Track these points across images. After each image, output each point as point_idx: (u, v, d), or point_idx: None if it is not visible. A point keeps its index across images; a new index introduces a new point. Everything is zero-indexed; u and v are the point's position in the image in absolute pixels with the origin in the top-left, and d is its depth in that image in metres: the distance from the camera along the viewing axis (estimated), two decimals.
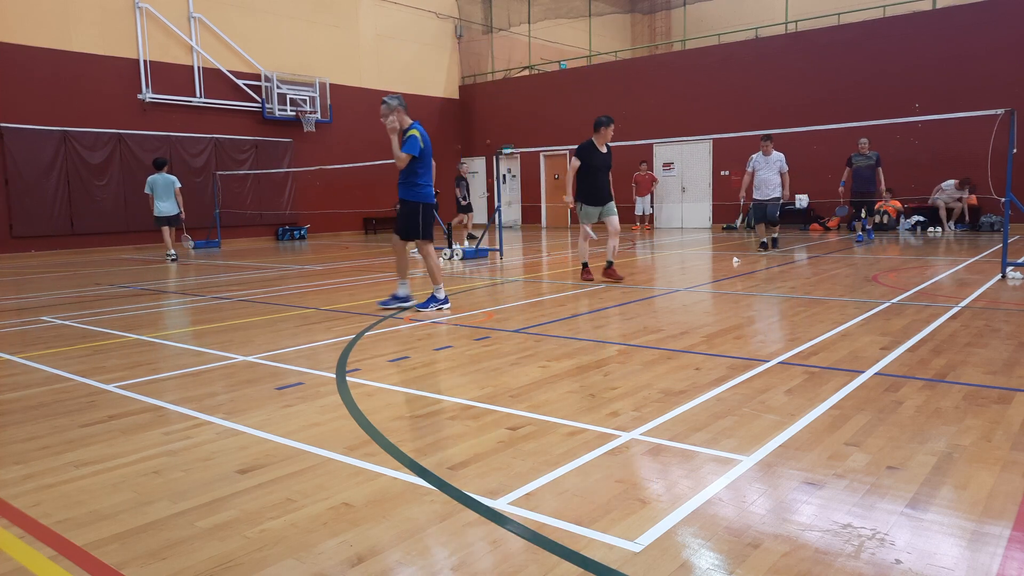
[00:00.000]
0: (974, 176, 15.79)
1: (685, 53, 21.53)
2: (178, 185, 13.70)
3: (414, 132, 6.66)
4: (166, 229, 13.69)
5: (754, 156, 12.25)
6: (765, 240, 12.48)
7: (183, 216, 13.94)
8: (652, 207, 20.46)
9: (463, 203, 15.70)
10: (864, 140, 13.04)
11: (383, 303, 7.12)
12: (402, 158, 6.59)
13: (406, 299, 7.02)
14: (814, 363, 4.40)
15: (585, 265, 8.97)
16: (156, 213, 13.50)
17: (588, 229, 8.88)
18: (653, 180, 20.17)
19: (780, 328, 5.61)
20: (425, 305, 6.85)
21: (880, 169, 12.95)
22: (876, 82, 17.15)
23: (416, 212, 6.77)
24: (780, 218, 13.04)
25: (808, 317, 5.99)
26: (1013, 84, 15.37)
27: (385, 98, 6.76)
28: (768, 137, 11.98)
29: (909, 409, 3.45)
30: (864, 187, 13.13)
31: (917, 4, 17.17)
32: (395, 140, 6.60)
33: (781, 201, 12.31)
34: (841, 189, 13.42)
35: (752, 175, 12.18)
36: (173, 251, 13.79)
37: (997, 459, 2.81)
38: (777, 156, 12.07)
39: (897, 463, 2.79)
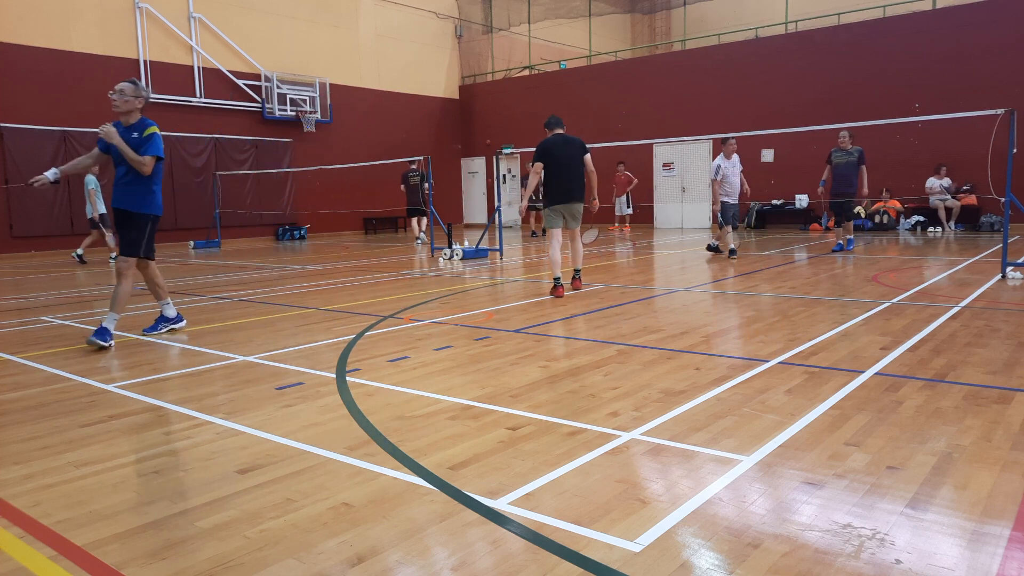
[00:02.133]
0: (974, 176, 15.81)
1: (685, 53, 21.54)
2: (91, 187, 12.98)
3: (156, 129, 5.54)
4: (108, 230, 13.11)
5: (721, 163, 11.18)
6: (734, 247, 11.64)
7: (97, 218, 13.06)
8: (629, 207, 19.96)
9: (535, 201, 16.05)
10: (845, 133, 11.47)
11: (149, 329, 6.05)
12: (147, 162, 5.43)
13: (178, 319, 6.17)
14: (814, 363, 4.40)
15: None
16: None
17: None
18: (629, 181, 19.83)
19: (780, 328, 5.61)
20: (155, 328, 6.00)
21: (863, 168, 11.34)
22: (876, 82, 17.16)
23: (147, 225, 5.65)
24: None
25: (808, 317, 5.99)
26: (1013, 84, 15.38)
27: (136, 81, 5.64)
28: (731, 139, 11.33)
29: (909, 409, 3.45)
30: (842, 187, 11.54)
31: (917, 4, 17.18)
32: (122, 143, 5.43)
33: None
34: (820, 189, 12.00)
35: (721, 182, 11.28)
36: (80, 251, 13.46)
37: (997, 459, 2.81)
38: (736, 158, 11.43)
39: (897, 463, 2.79)
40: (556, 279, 7.72)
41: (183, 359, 5.06)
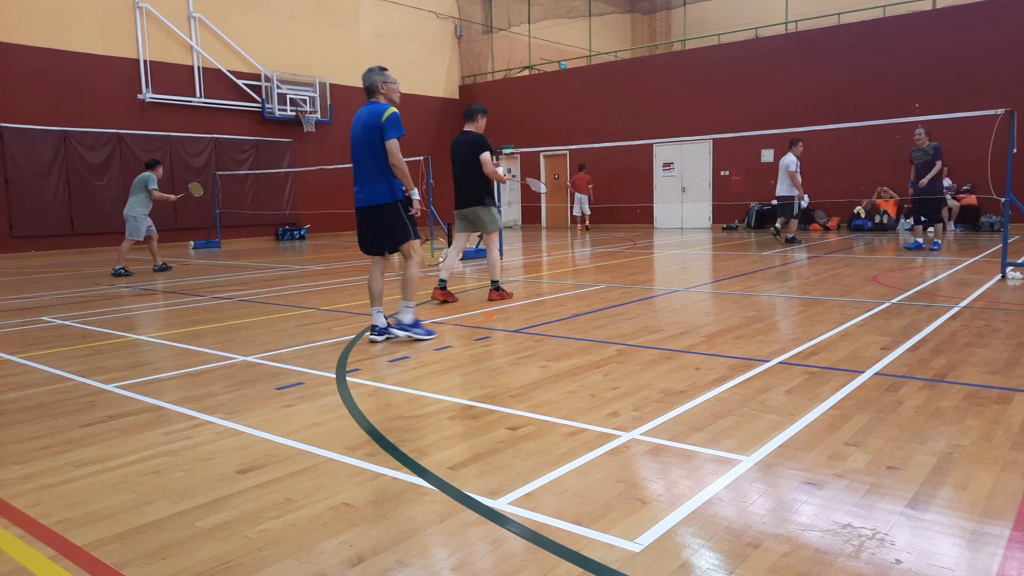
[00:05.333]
0: (974, 176, 15.81)
1: (685, 53, 21.53)
2: None
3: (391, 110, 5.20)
4: None
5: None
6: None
7: None
8: (580, 205, 20.35)
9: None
10: (920, 131, 11.20)
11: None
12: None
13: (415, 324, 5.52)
14: (814, 363, 4.40)
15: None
16: None
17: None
18: (583, 181, 20.24)
19: (780, 328, 5.61)
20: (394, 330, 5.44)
21: (937, 163, 10.93)
22: (876, 82, 17.15)
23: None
24: (779, 216, 13.70)
25: (808, 317, 5.99)
26: (1013, 84, 15.37)
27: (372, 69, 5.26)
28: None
29: (909, 409, 3.45)
30: (923, 188, 11.28)
31: (917, 4, 17.17)
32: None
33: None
34: (911, 190, 11.74)
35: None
36: None
37: (997, 459, 2.81)
38: (788, 156, 13.42)
39: (897, 463, 2.79)
40: (440, 281, 7.37)
41: (183, 359, 5.06)
